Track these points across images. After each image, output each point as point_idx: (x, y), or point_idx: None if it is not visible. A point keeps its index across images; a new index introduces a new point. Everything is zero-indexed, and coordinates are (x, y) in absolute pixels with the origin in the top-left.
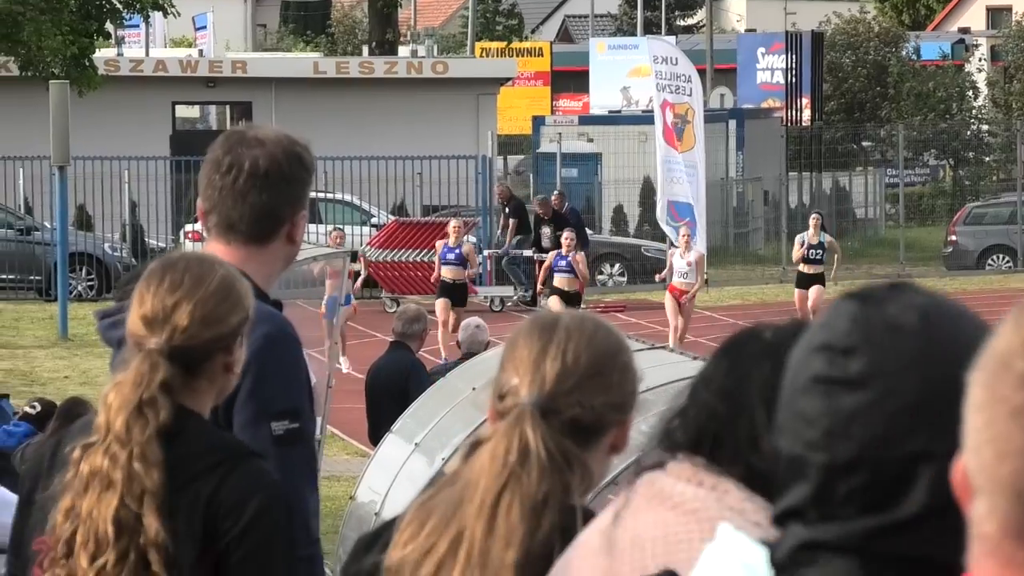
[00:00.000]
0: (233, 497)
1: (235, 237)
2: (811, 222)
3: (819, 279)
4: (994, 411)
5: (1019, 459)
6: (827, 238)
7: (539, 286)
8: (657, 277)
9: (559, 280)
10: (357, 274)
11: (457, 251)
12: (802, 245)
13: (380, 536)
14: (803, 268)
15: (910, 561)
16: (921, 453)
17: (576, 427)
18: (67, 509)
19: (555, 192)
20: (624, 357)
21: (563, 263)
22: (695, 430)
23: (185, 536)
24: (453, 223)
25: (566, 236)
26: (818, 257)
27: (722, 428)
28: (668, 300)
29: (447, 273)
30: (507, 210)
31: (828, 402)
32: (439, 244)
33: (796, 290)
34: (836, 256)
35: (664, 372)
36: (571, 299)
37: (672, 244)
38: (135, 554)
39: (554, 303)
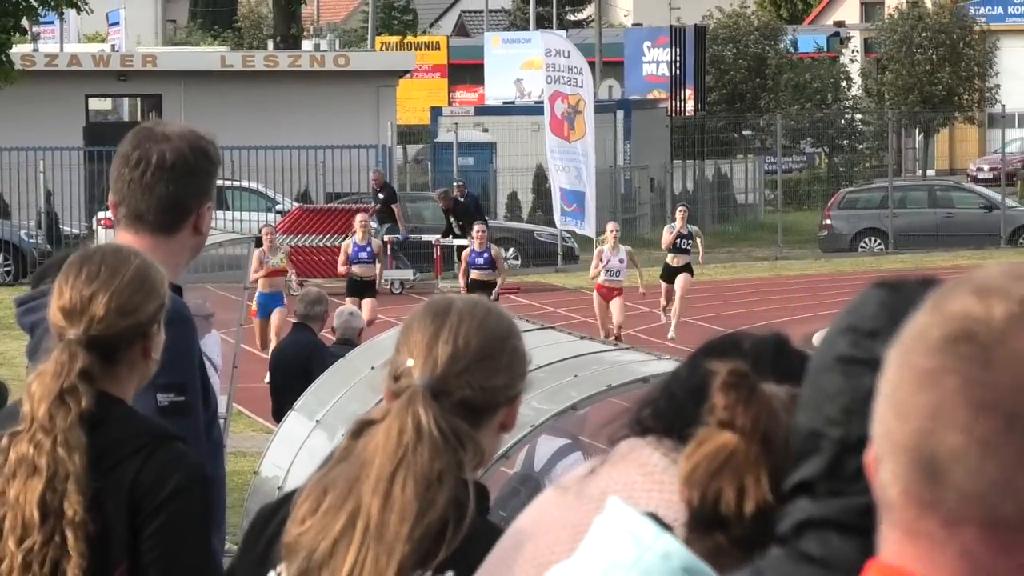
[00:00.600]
0: (153, 477)
1: (143, 227)
2: (678, 214)
3: (687, 268)
4: (901, 377)
5: (919, 420)
6: (694, 228)
7: (461, 280)
8: (591, 277)
9: (477, 274)
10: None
11: (368, 249)
12: (672, 232)
13: (280, 508)
14: (670, 259)
15: None
16: None
17: (467, 407)
18: None
19: (455, 183)
20: (514, 341)
21: (481, 260)
22: (665, 421)
23: (113, 518)
24: (359, 218)
25: (478, 231)
26: (686, 247)
27: (686, 425)
28: (596, 299)
29: (358, 270)
30: (381, 196)
31: (849, 381)
32: (347, 243)
33: (662, 283)
34: (700, 242)
35: (552, 351)
36: (488, 288)
37: (567, 238)
38: (60, 536)
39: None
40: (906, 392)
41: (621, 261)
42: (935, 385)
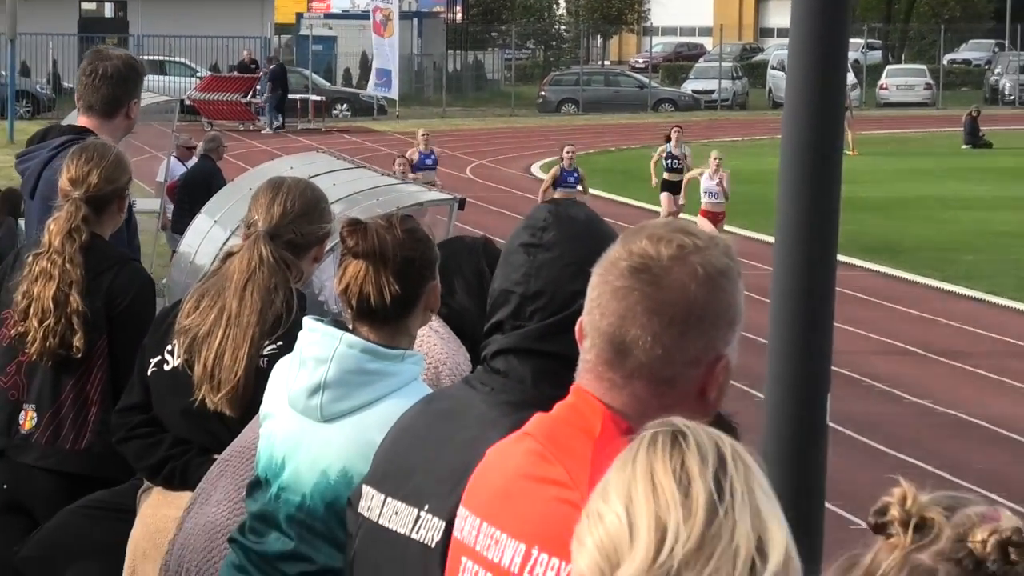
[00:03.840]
0: (122, 284)
1: (93, 114)
2: (674, 134)
3: (678, 187)
4: (603, 289)
5: (613, 317)
6: (687, 149)
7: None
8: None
9: (562, 193)
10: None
11: (432, 155)
12: (664, 155)
13: (174, 308)
14: (666, 176)
15: (555, 357)
16: (577, 291)
17: (292, 245)
18: (24, 292)
19: (268, 57)
20: (323, 205)
21: (571, 179)
22: None
23: (97, 308)
24: (422, 132)
25: (567, 151)
26: (677, 166)
27: (450, 294)
28: (702, 223)
29: (422, 176)
30: (270, 71)
31: (528, 257)
32: (412, 151)
33: (662, 194)
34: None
35: (365, 183)
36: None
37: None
38: (65, 319)
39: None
40: (606, 299)
41: (719, 186)
42: (624, 298)
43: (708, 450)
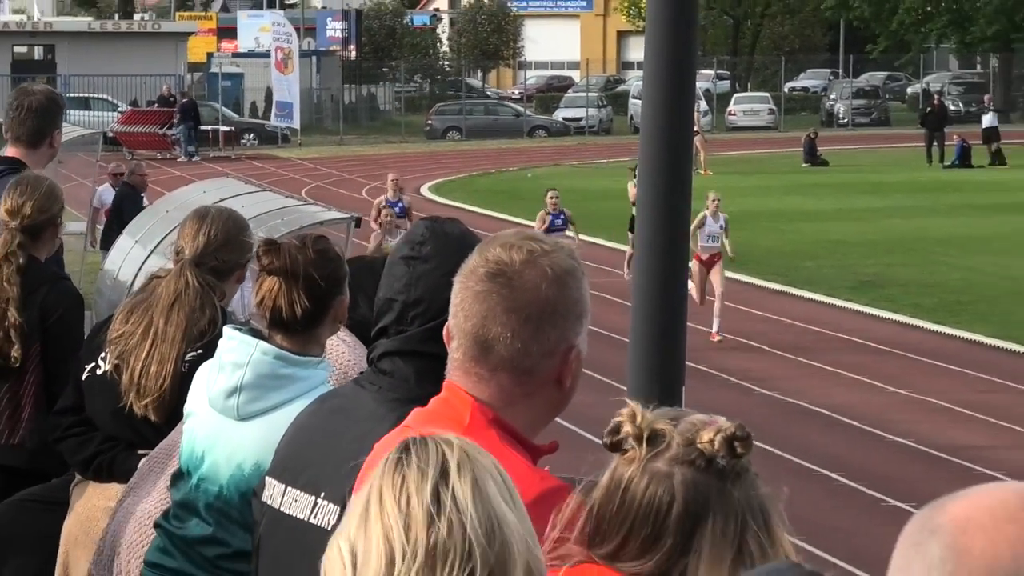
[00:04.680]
0: (54, 300)
1: (20, 144)
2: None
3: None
4: (465, 294)
5: (476, 318)
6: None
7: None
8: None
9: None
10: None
11: (400, 203)
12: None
13: (106, 322)
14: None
15: (435, 357)
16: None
17: (216, 271)
18: None
19: (165, 87)
20: (244, 234)
21: (559, 221)
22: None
23: (32, 322)
24: (391, 177)
25: (551, 196)
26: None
27: (354, 308)
28: (695, 267)
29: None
30: (184, 101)
31: (408, 269)
32: (379, 200)
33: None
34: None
35: (270, 204)
36: None
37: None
38: (3, 332)
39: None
40: (468, 303)
41: (721, 228)
42: (484, 300)
43: (429, 464)
